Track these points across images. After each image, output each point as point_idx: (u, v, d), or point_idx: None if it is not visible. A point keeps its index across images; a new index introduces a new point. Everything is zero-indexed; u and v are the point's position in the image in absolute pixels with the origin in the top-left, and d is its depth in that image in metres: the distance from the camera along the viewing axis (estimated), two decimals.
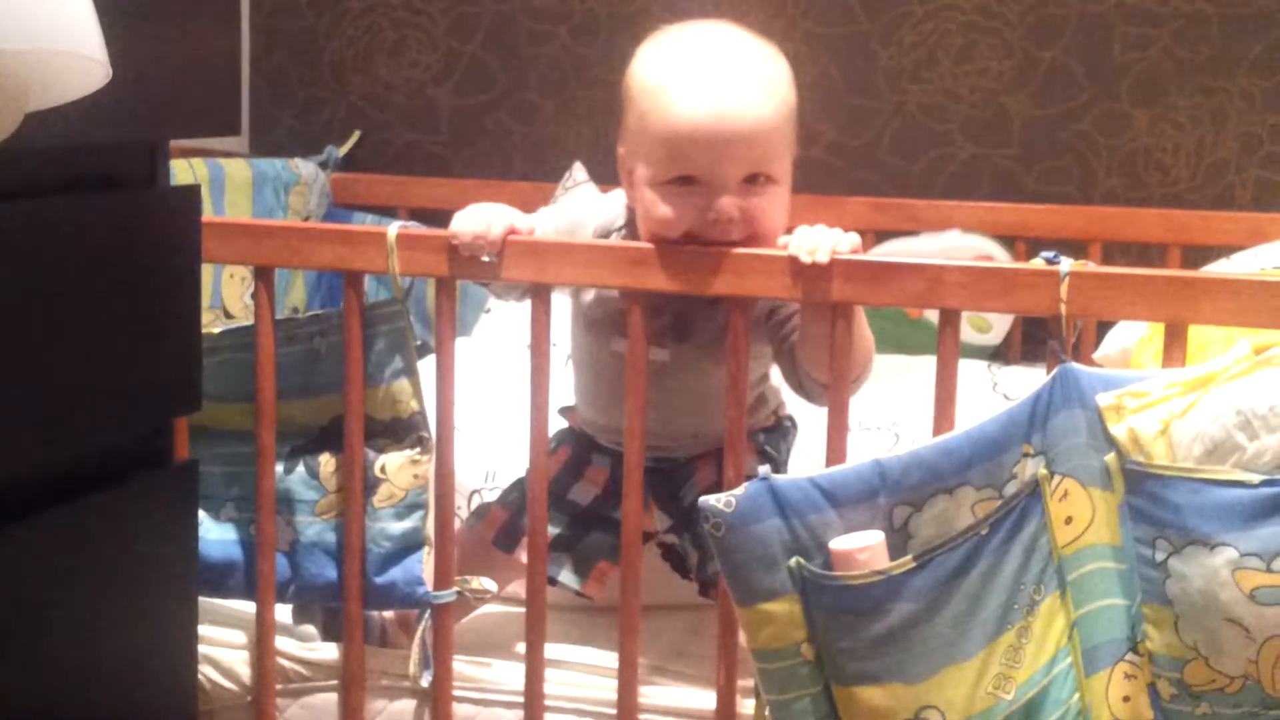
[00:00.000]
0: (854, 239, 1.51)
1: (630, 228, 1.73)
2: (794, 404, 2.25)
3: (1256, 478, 1.30)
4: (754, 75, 1.59)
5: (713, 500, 1.38)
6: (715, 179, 1.57)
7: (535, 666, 1.67)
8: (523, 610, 1.68)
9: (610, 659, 1.67)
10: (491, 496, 1.87)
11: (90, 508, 1.30)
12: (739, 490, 1.38)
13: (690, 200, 1.58)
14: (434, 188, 2.77)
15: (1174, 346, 1.43)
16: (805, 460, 2.06)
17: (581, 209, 1.80)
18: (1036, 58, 2.63)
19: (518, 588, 1.79)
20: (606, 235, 1.74)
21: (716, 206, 1.56)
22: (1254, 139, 2.55)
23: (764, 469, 1.39)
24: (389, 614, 1.83)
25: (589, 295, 1.74)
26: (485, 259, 1.59)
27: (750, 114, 1.56)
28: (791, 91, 1.63)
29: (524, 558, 1.75)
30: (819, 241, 1.49)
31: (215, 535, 1.76)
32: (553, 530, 1.74)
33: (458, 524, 1.78)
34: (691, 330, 1.69)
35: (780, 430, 1.85)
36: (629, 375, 1.58)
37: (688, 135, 1.56)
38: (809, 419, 2.07)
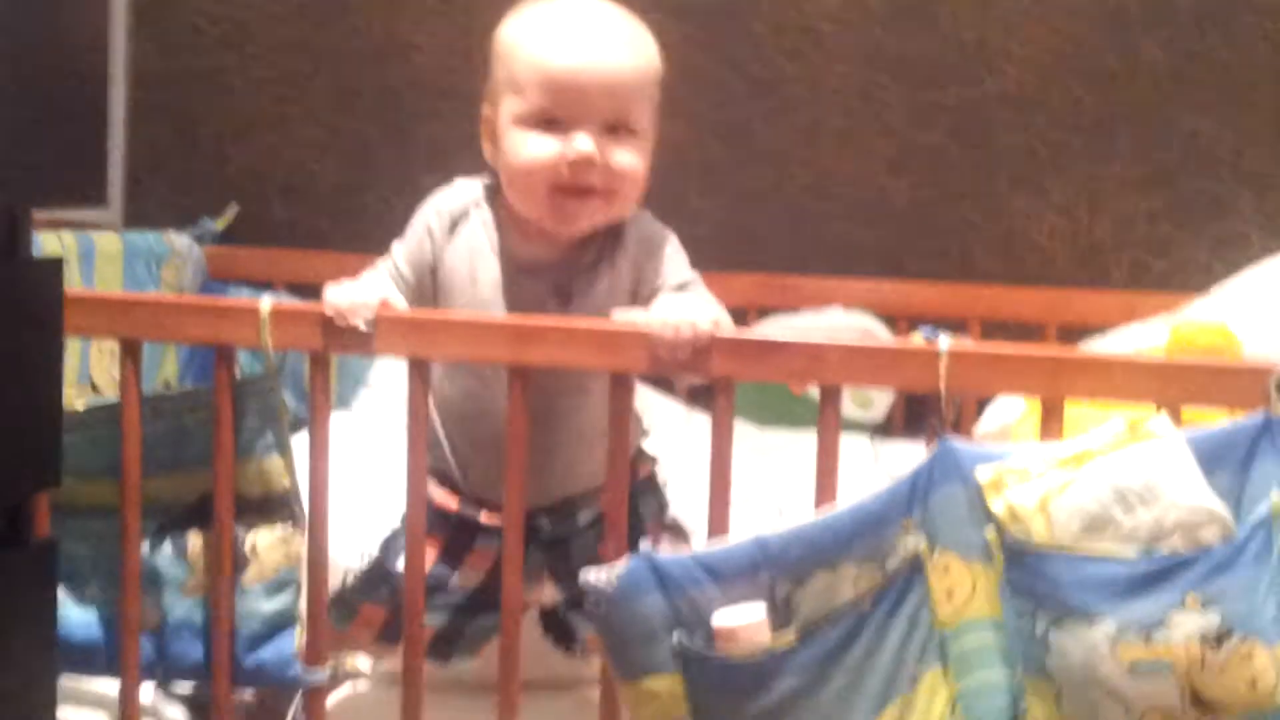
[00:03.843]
0: (716, 315, 1.52)
1: (491, 202, 1.71)
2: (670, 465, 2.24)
3: (1133, 552, 1.31)
4: (619, 30, 1.65)
5: (593, 577, 1.37)
6: (577, 119, 1.60)
7: None
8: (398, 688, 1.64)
9: None
10: None
11: None
12: (619, 566, 1.37)
13: (552, 140, 1.61)
14: (311, 261, 2.71)
15: (1051, 422, 1.45)
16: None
17: (425, 222, 1.73)
18: (916, 141, 2.67)
19: (395, 664, 1.74)
20: (463, 216, 1.71)
21: (575, 143, 1.59)
22: (1128, 222, 2.61)
23: (644, 543, 1.38)
24: (248, 695, 1.77)
25: None
26: (363, 327, 1.56)
27: (613, 60, 1.62)
28: (655, 57, 1.68)
29: None
30: (679, 322, 1.49)
31: (78, 616, 1.69)
32: (436, 622, 1.70)
33: None
34: (572, 295, 1.67)
35: (654, 489, 1.81)
36: (510, 450, 1.56)
37: (553, 71, 1.60)
38: (692, 492, 2.06)
